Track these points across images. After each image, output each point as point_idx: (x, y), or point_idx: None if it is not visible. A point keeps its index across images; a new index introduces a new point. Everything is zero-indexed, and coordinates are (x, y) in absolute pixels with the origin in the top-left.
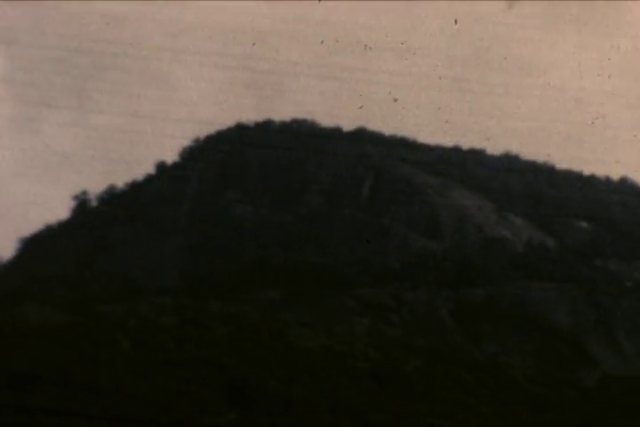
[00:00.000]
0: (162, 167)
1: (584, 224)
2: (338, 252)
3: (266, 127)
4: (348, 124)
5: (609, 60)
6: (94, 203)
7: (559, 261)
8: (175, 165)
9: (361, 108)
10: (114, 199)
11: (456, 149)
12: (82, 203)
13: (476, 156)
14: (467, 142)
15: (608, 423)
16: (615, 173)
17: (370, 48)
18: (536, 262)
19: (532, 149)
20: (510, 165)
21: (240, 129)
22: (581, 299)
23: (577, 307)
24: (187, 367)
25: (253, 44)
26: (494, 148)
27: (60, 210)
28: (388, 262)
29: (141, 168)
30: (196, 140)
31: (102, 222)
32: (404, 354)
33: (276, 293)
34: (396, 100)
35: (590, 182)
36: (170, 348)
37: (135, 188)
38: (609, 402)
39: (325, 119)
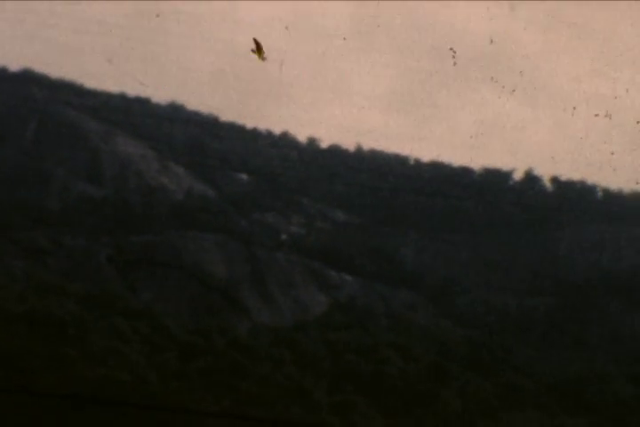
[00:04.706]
0: None
1: (244, 177)
2: None
3: None
4: (14, 65)
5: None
6: None
7: (218, 212)
8: None
9: (30, 48)
10: None
11: (122, 96)
12: None
13: (142, 104)
14: (133, 90)
15: (255, 371)
16: (277, 128)
17: None
18: (195, 213)
19: (198, 100)
20: (175, 114)
21: None
22: (237, 251)
23: (233, 258)
24: None
25: None
26: (160, 96)
27: None
28: (48, 206)
29: None
30: None
31: None
32: (60, 298)
33: None
34: (66, 43)
35: (252, 136)
36: None
37: None
38: (258, 351)
39: None
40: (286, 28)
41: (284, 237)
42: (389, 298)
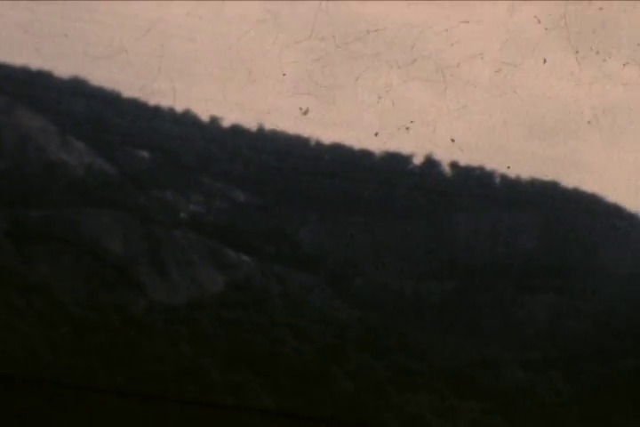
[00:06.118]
0: None
1: (145, 154)
2: None
3: None
4: None
5: None
6: None
7: (117, 189)
8: None
9: None
10: None
11: (24, 69)
12: None
13: (44, 77)
14: (35, 63)
15: (149, 348)
16: (179, 106)
17: None
18: (94, 189)
19: (101, 75)
20: (78, 89)
21: None
22: (135, 228)
23: (130, 235)
24: None
25: None
26: (62, 71)
27: None
28: None
29: None
30: None
31: None
32: None
33: None
34: None
35: (154, 113)
36: None
37: None
38: (153, 328)
39: None
40: (195, 5)
41: (182, 215)
42: (286, 279)
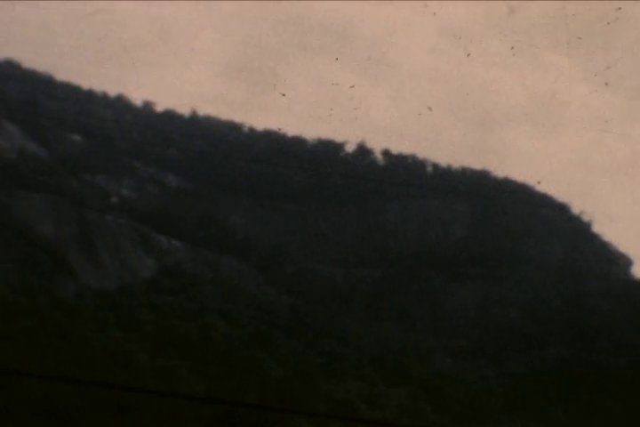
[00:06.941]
0: None
1: (77, 138)
2: None
3: None
4: None
5: None
6: None
7: (49, 172)
8: None
9: None
10: None
11: None
12: None
13: None
14: None
15: (79, 333)
16: (112, 91)
17: None
18: (26, 172)
19: (34, 58)
20: (10, 72)
21: None
22: (67, 212)
23: (62, 219)
24: None
25: None
26: None
27: None
28: None
29: None
30: None
31: None
32: None
33: None
34: None
35: (88, 97)
36: None
37: None
38: (82, 313)
39: None
40: None
41: (114, 199)
42: (217, 264)
